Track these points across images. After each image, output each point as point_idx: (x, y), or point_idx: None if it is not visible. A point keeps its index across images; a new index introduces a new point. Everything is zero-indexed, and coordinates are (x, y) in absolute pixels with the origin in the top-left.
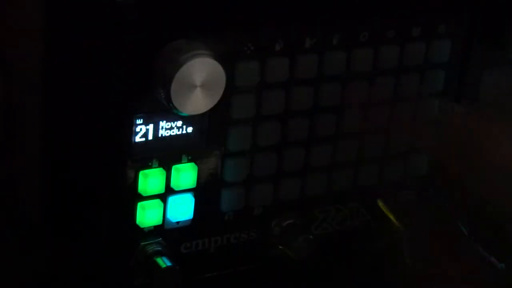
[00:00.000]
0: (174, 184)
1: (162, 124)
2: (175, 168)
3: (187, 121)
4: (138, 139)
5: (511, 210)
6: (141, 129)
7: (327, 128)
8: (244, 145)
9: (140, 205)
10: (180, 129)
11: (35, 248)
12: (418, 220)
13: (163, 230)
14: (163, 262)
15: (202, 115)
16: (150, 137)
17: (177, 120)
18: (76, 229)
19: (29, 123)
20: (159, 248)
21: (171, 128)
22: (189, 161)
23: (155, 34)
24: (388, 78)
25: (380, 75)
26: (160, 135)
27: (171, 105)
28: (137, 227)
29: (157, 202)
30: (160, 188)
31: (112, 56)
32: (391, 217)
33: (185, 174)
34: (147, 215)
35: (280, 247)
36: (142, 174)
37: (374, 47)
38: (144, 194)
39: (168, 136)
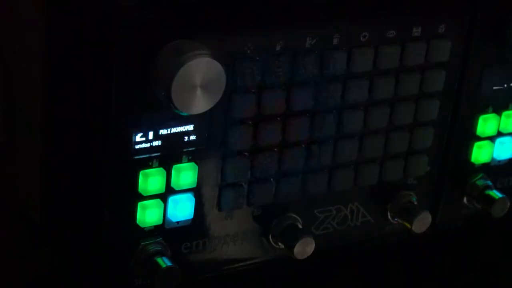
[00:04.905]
0: (174, 184)
1: (162, 124)
2: (175, 168)
3: (187, 121)
4: (138, 139)
5: None
6: (141, 129)
7: (328, 128)
8: (244, 145)
9: (140, 205)
10: (180, 129)
11: (35, 248)
12: None
13: (163, 230)
14: (163, 262)
15: (202, 115)
16: (150, 137)
17: (177, 120)
18: (76, 229)
19: (29, 123)
20: (159, 248)
21: (171, 128)
22: (189, 161)
23: (155, 34)
24: (388, 78)
25: (380, 75)
26: (160, 135)
27: (171, 105)
28: (137, 227)
29: (157, 202)
30: (160, 188)
31: (112, 56)
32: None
33: (185, 174)
34: (147, 215)
35: (280, 247)
36: (142, 174)
37: (374, 47)
38: (144, 194)
39: (168, 136)
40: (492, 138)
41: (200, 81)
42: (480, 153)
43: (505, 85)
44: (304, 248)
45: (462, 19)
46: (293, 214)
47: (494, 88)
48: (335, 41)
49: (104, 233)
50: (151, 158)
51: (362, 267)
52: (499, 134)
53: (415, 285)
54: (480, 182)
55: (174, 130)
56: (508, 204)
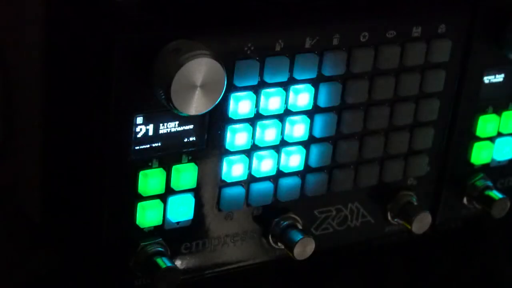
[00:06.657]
0: (174, 184)
1: (162, 124)
2: (175, 168)
3: (187, 121)
4: (138, 139)
5: None
6: (141, 129)
7: (327, 129)
8: (244, 145)
9: (140, 205)
10: (180, 129)
11: (35, 248)
12: None
13: (163, 230)
14: (163, 262)
15: (202, 115)
16: (150, 137)
17: (177, 120)
18: (76, 229)
19: (29, 123)
20: (159, 248)
21: (171, 128)
22: (189, 161)
23: (155, 34)
24: (388, 78)
25: (380, 75)
26: (160, 135)
27: (171, 105)
28: (137, 227)
29: (157, 202)
30: (160, 188)
31: (112, 56)
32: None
33: (185, 174)
34: (147, 215)
35: (280, 247)
36: (142, 174)
37: (374, 47)
38: (144, 194)
39: (168, 136)
40: (492, 139)
41: (200, 81)
42: (480, 154)
43: (505, 86)
44: (304, 248)
45: (462, 19)
46: (293, 214)
47: (494, 88)
48: (335, 41)
49: (104, 233)
50: (151, 159)
51: (362, 268)
52: (499, 134)
53: (415, 285)
54: (480, 183)
55: (174, 130)
56: (508, 204)
